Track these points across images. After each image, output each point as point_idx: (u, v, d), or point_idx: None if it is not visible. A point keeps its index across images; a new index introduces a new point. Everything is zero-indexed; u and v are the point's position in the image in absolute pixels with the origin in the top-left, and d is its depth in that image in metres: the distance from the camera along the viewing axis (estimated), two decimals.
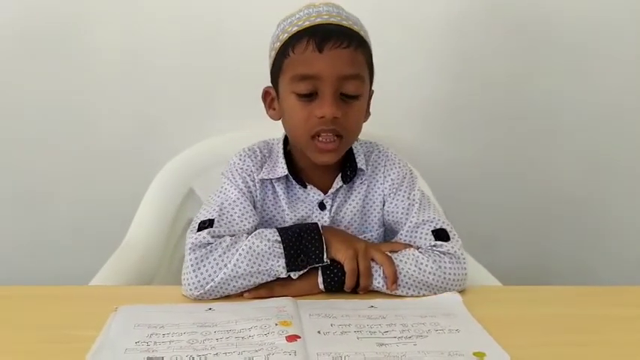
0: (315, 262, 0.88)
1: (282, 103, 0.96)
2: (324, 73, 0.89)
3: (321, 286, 0.89)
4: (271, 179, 0.99)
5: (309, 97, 0.91)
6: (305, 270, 0.88)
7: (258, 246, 0.87)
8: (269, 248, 0.87)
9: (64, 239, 1.58)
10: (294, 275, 0.87)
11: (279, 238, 0.88)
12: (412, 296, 0.90)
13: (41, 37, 1.46)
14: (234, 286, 0.87)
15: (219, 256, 0.87)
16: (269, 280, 0.88)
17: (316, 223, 0.92)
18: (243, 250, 0.87)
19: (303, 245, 0.88)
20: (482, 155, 1.61)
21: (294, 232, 0.89)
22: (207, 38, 1.48)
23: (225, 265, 0.86)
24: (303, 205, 0.99)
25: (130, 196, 1.38)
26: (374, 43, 0.98)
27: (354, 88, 0.92)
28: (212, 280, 0.86)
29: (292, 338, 0.72)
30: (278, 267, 0.87)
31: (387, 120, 1.51)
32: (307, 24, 0.92)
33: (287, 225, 0.97)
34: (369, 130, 1.01)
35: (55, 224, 1.57)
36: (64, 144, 1.53)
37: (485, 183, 1.62)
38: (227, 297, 0.88)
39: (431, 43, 1.51)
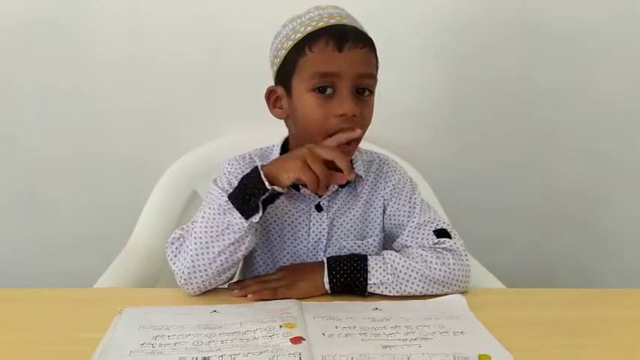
0: (262, 194, 0.87)
1: (295, 103, 0.96)
2: (343, 71, 0.91)
3: (327, 287, 0.89)
4: None
5: (327, 95, 0.93)
6: (261, 212, 0.87)
7: (209, 210, 0.88)
8: (219, 207, 0.88)
9: (68, 241, 1.58)
10: (255, 219, 0.87)
11: (225, 196, 0.89)
12: (421, 293, 0.90)
13: (43, 38, 1.47)
14: (208, 260, 0.87)
15: (187, 240, 0.89)
16: (237, 237, 0.87)
17: (256, 167, 0.90)
18: (198, 222, 0.89)
19: (248, 189, 0.87)
20: (484, 156, 1.61)
21: (238, 185, 0.89)
22: (211, 40, 1.48)
23: (192, 242, 0.88)
24: (302, 206, 1.00)
25: (133, 199, 1.38)
26: (376, 41, 0.99)
27: (368, 85, 0.95)
28: (188, 262, 0.87)
29: (297, 340, 0.73)
30: (234, 219, 0.87)
31: (388, 120, 1.52)
32: (322, 24, 0.94)
33: (285, 227, 0.99)
34: (370, 130, 1.01)
35: (59, 226, 1.58)
36: (67, 146, 1.54)
37: (486, 184, 1.62)
38: (231, 299, 0.88)
39: (432, 43, 1.52)
